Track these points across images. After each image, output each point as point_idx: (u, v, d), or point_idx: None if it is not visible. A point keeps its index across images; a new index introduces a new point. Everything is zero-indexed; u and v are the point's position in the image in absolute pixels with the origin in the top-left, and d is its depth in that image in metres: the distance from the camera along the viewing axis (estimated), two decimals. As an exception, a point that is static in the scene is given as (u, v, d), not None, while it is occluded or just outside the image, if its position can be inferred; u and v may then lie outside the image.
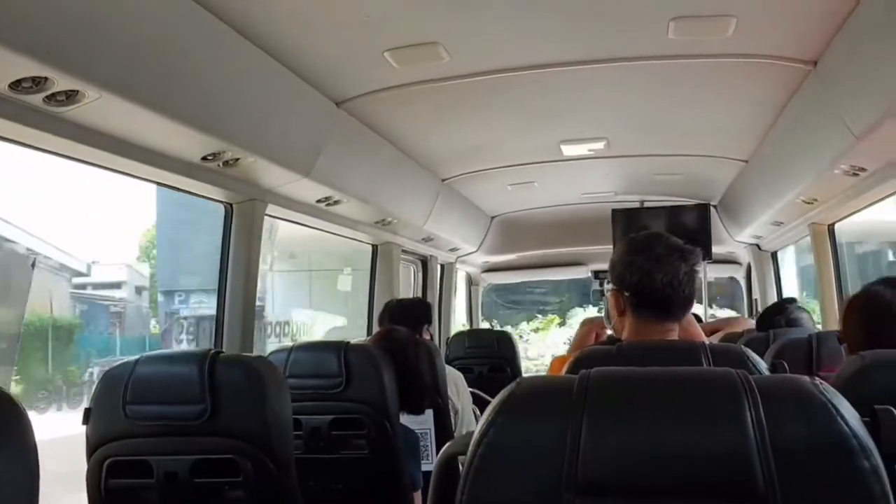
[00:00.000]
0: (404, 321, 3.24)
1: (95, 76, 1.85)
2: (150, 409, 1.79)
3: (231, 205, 2.95)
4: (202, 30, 2.18)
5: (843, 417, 0.83)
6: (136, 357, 1.86)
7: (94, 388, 1.90)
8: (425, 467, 2.54)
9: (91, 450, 1.83)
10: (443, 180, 4.59)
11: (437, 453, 2.48)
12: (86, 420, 1.85)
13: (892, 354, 1.48)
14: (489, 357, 4.99)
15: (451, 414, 3.07)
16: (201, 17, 2.14)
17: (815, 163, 3.21)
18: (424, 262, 5.43)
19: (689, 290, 1.70)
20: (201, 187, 2.74)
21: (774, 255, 5.21)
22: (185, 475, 1.78)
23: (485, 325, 7.45)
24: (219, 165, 2.60)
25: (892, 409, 0.98)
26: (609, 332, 2.40)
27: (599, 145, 3.96)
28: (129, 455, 1.80)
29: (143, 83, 2.03)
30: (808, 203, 3.73)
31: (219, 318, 2.95)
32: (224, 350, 2.58)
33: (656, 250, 1.72)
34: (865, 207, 3.53)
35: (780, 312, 3.17)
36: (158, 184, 2.67)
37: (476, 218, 5.67)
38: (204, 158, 2.52)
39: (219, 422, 1.77)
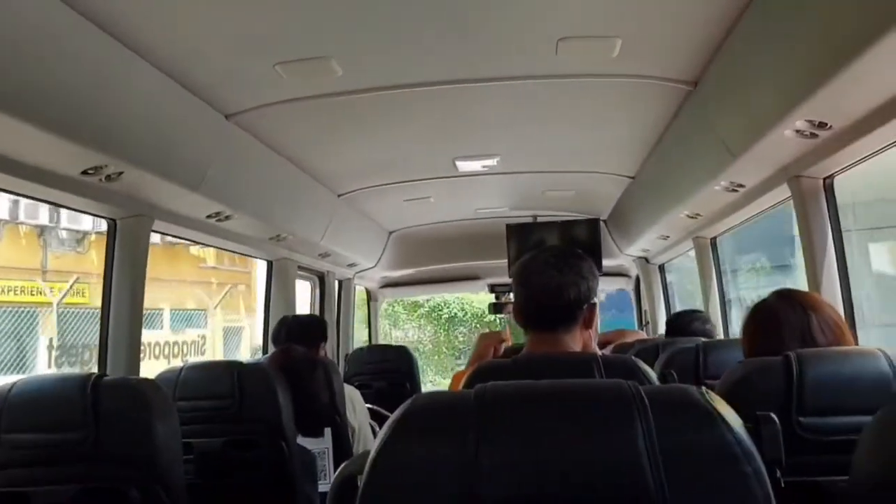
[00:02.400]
0: (301, 338, 3.18)
1: None
2: (27, 438, 1.69)
3: (115, 220, 2.82)
4: (81, 39, 2.08)
5: (726, 424, 0.86)
6: (12, 381, 1.75)
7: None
8: (322, 487, 2.50)
9: None
10: (339, 195, 4.55)
11: (335, 473, 2.45)
12: None
13: (772, 361, 1.55)
14: (389, 372, 4.98)
15: (349, 433, 3.03)
16: (81, 25, 2.04)
17: (696, 179, 3.36)
18: (322, 278, 5.35)
19: (567, 298, 1.72)
20: (82, 202, 2.61)
21: (662, 268, 5.41)
22: None
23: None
24: (100, 180, 2.48)
25: (772, 415, 1.03)
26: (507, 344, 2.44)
27: (492, 162, 4.03)
28: (7, 486, 1.70)
29: (13, 92, 1.91)
30: (692, 217, 3.90)
31: (102, 339, 2.81)
32: (108, 373, 2.47)
33: (532, 266, 1.76)
34: (746, 221, 3.72)
35: (694, 322, 3.26)
36: (36, 199, 2.52)
37: (374, 233, 5.65)
38: (84, 172, 2.40)
39: (103, 449, 1.69)
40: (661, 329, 4.49)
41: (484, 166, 4.11)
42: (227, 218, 3.37)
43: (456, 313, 14.14)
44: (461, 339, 14.03)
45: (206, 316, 11.05)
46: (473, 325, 13.92)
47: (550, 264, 1.73)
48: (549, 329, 1.75)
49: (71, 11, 1.99)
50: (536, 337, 1.77)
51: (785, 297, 1.76)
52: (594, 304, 1.78)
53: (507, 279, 5.80)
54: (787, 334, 1.68)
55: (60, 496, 1.69)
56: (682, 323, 3.25)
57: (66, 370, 8.39)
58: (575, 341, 1.75)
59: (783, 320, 1.71)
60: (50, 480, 1.69)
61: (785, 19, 2.09)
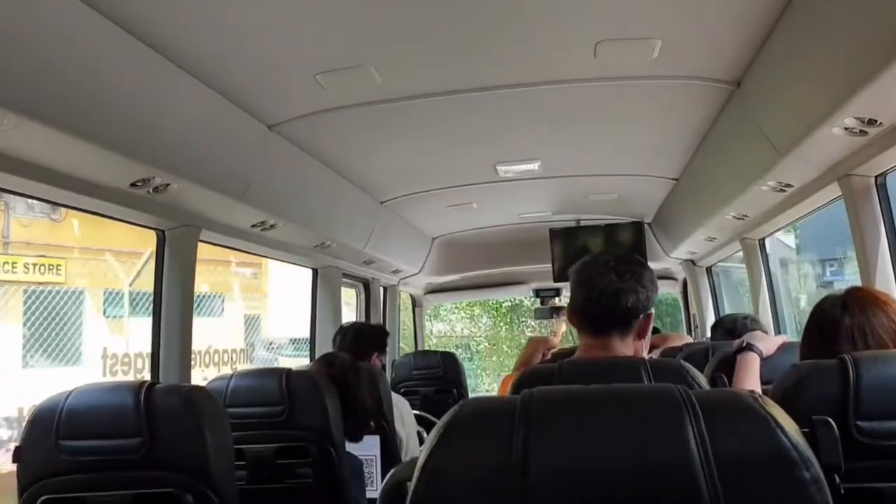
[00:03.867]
0: (353, 346, 3.22)
1: (13, 101, 1.79)
2: (84, 444, 1.73)
3: (163, 231, 2.89)
4: (127, 54, 2.14)
5: (782, 430, 0.85)
6: (69, 390, 1.80)
7: (24, 423, 1.83)
8: (370, 494, 2.51)
9: (23, 489, 1.75)
10: (381, 202, 4.58)
11: (383, 480, 2.46)
12: (16, 458, 1.77)
13: (827, 364, 1.52)
14: (435, 379, 4.99)
15: (397, 441, 3.04)
16: (125, 40, 2.09)
17: (743, 180, 3.31)
18: (367, 285, 5.39)
19: (625, 304, 1.71)
20: (131, 214, 2.67)
21: (709, 270, 5.33)
22: None
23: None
24: (148, 192, 2.54)
25: (829, 419, 1.00)
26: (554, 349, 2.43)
27: (534, 166, 4.02)
28: (64, 492, 1.74)
29: (65, 108, 1.97)
30: (739, 219, 3.84)
31: (154, 349, 2.87)
32: (161, 381, 2.52)
33: (592, 268, 1.75)
34: (795, 221, 3.65)
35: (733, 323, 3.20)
36: (87, 211, 2.59)
37: (417, 239, 5.67)
38: (132, 185, 2.46)
39: (157, 455, 1.73)
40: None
41: (525, 171, 4.10)
42: (271, 227, 3.42)
43: (521, 300, 11.49)
44: (529, 334, 11.18)
45: (222, 302, 9.32)
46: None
47: (611, 268, 1.72)
48: (604, 334, 1.74)
49: (117, 28, 2.04)
50: (589, 341, 1.76)
51: (846, 298, 1.71)
52: (650, 315, 1.76)
53: (552, 283, 5.78)
54: (842, 338, 1.63)
55: (117, 501, 1.73)
56: (728, 325, 3.19)
57: (37, 371, 6.97)
58: (627, 349, 1.74)
59: (840, 323, 1.67)
60: (106, 486, 1.73)
61: (830, 14, 2.05)
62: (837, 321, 1.67)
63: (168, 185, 2.55)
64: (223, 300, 9.26)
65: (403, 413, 3.23)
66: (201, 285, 8.06)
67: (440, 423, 0.92)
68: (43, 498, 1.74)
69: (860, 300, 1.71)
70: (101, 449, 1.72)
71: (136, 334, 7.49)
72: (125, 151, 2.26)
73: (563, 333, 4.67)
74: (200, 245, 3.02)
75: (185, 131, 2.54)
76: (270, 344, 9.97)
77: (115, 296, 7.82)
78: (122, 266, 7.70)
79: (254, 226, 3.35)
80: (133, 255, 7.55)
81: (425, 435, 3.64)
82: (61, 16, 1.85)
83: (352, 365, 2.62)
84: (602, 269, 1.73)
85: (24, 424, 1.83)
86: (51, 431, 1.73)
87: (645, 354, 1.81)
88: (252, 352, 9.65)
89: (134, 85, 2.23)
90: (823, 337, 1.69)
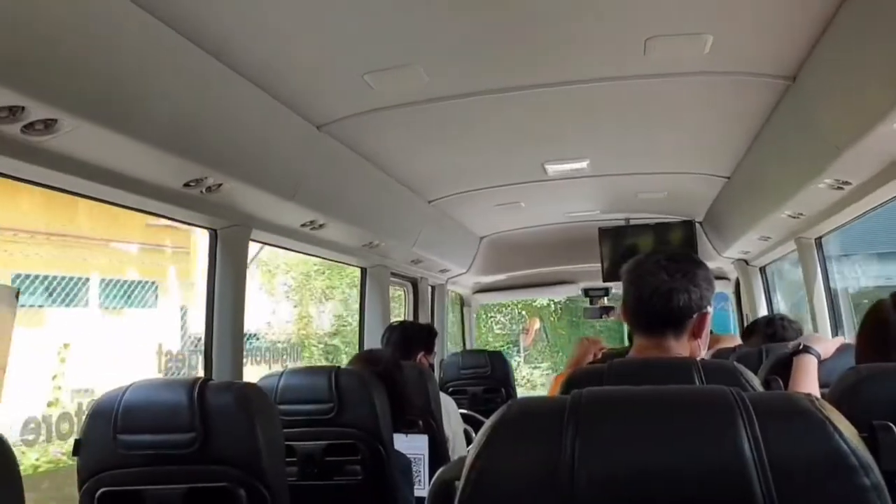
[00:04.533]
0: (401, 345, 3.23)
1: (72, 104, 1.85)
2: (141, 439, 1.78)
3: (216, 231, 2.94)
4: (179, 56, 2.18)
5: (840, 434, 0.82)
6: (126, 385, 1.85)
7: (83, 418, 1.88)
8: (418, 493, 2.52)
9: (82, 481, 1.81)
10: (429, 202, 4.59)
11: (430, 478, 2.47)
12: (76, 451, 1.83)
13: (887, 367, 1.47)
14: (483, 378, 4.99)
15: (445, 440, 3.05)
16: (178, 43, 2.14)
17: (798, 177, 3.23)
18: (415, 284, 5.41)
19: (676, 303, 1.69)
20: (185, 213, 2.73)
21: (763, 270, 5.22)
22: None
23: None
24: (201, 192, 2.59)
25: (891, 424, 0.97)
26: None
27: (582, 165, 3.98)
28: (121, 485, 1.79)
29: (121, 111, 2.02)
30: (794, 217, 3.75)
31: (207, 346, 2.93)
32: (214, 377, 2.58)
33: (645, 267, 1.73)
34: (853, 220, 3.55)
35: (769, 325, 3.17)
36: (142, 211, 2.65)
37: (465, 239, 5.68)
38: (186, 185, 2.51)
39: (210, 449, 1.76)
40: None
41: (574, 170, 4.07)
42: (321, 226, 3.45)
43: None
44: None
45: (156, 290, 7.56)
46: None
47: (663, 267, 1.70)
48: (657, 334, 1.72)
49: (170, 31, 2.08)
50: (643, 341, 1.74)
51: None
52: (706, 314, 1.73)
53: (601, 283, 5.73)
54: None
55: (172, 495, 1.77)
56: (764, 329, 3.15)
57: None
58: (682, 349, 1.71)
59: (894, 330, 1.61)
60: (162, 480, 1.77)
61: (889, 6, 1.99)
62: (889, 323, 1.62)
63: (220, 185, 2.60)
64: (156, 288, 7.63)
65: (450, 412, 3.23)
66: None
67: (489, 423, 0.92)
68: (101, 490, 1.79)
69: None
70: (156, 443, 1.77)
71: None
72: (179, 152, 2.30)
73: (536, 332, 4.64)
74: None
75: (235, 132, 2.58)
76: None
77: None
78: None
79: (303, 225, 3.39)
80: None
81: (473, 434, 3.65)
82: (115, 19, 1.90)
83: (395, 362, 2.63)
84: (654, 267, 1.71)
85: (83, 419, 1.88)
86: (109, 425, 1.78)
87: (703, 354, 1.78)
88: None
89: (186, 87, 2.27)
90: (883, 340, 1.63)
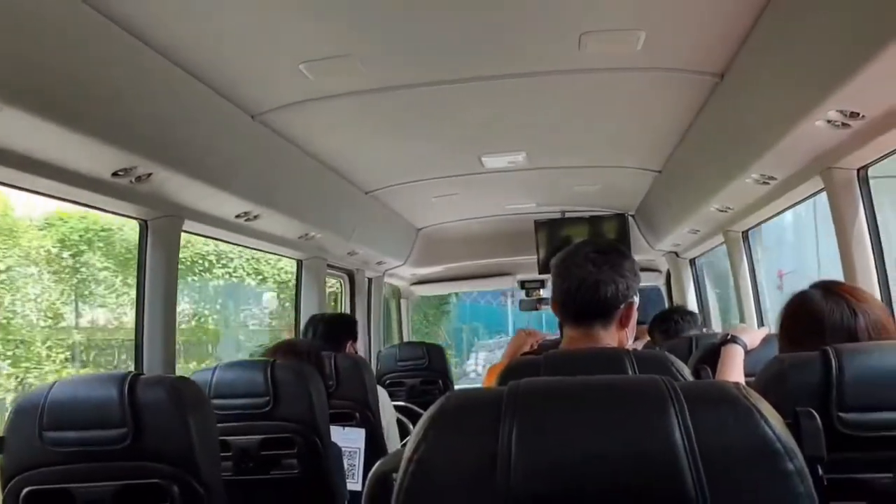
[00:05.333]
0: (327, 336, 3.21)
1: None
2: (68, 436, 1.73)
3: (146, 221, 2.86)
4: (107, 41, 2.12)
5: (766, 421, 0.85)
6: (52, 382, 1.79)
7: (7, 414, 1.82)
8: (352, 487, 2.51)
9: (6, 480, 1.75)
10: (366, 193, 4.57)
11: (364, 473, 2.46)
12: None
13: (810, 356, 1.53)
14: (421, 370, 5.00)
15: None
16: (107, 27, 2.07)
17: (726, 172, 3.33)
18: (351, 276, 5.38)
19: (604, 294, 1.71)
20: (114, 204, 2.65)
21: (693, 262, 5.36)
22: (108, 503, 1.72)
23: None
24: (131, 181, 2.52)
25: (812, 411, 1.01)
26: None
27: (519, 157, 4.02)
28: (48, 484, 1.73)
29: (47, 96, 1.95)
30: (722, 211, 3.86)
31: (138, 339, 2.86)
32: (145, 372, 2.52)
33: (572, 259, 1.75)
34: (778, 214, 3.67)
35: (666, 321, 3.26)
36: (68, 201, 2.57)
37: (402, 231, 5.67)
38: (114, 174, 2.44)
39: (142, 446, 1.72)
40: None
41: (510, 162, 4.11)
42: (255, 217, 3.40)
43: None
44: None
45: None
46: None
47: (590, 258, 1.73)
48: (586, 324, 1.75)
49: (98, 15, 2.02)
50: (572, 332, 1.77)
51: (830, 293, 1.71)
52: (632, 303, 1.76)
53: (537, 275, 5.80)
54: (831, 336, 1.63)
55: (103, 493, 1.72)
56: (664, 325, 3.23)
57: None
58: (611, 339, 1.74)
59: (828, 320, 1.66)
60: (91, 477, 1.72)
61: (814, 7, 2.06)
62: (822, 314, 1.68)
63: (150, 174, 2.53)
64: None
65: (384, 404, 3.23)
66: None
67: (427, 415, 0.92)
68: (27, 490, 1.73)
69: (850, 293, 1.70)
70: (85, 440, 1.72)
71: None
72: (107, 140, 2.23)
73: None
74: None
75: (168, 120, 2.52)
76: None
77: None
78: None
79: (238, 216, 3.33)
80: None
81: (411, 427, 3.65)
82: (43, 3, 1.83)
83: (312, 351, 2.60)
84: (581, 259, 1.74)
85: (6, 416, 1.82)
86: (34, 422, 1.72)
87: (630, 343, 1.82)
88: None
89: (116, 73, 2.21)
90: (808, 330, 1.69)
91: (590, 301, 1.72)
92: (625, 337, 1.78)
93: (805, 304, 1.73)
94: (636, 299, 1.78)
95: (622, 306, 1.74)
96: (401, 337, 6.65)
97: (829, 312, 1.67)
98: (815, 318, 1.68)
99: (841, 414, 1.44)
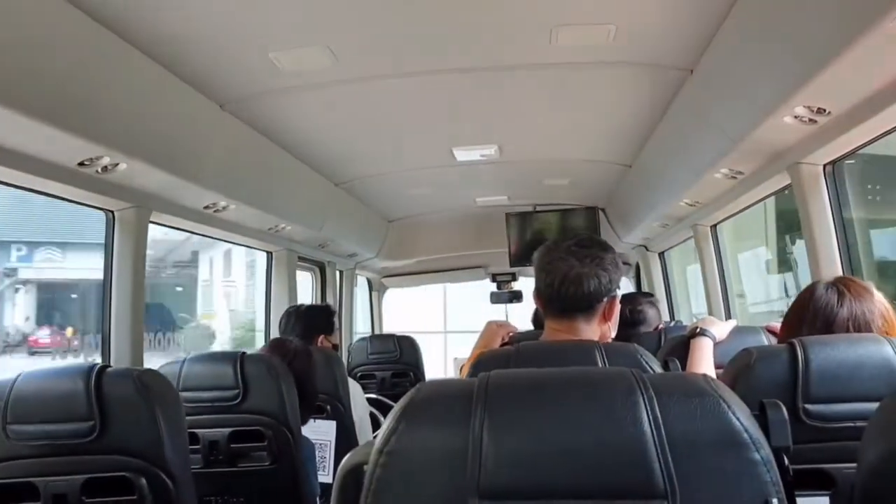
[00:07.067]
0: (304, 329, 3.19)
1: None
2: (33, 429, 1.70)
3: (112, 212, 2.82)
4: (72, 28, 2.07)
5: (734, 412, 0.87)
6: (16, 374, 1.76)
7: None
8: (322, 479, 2.50)
9: None
10: (336, 185, 4.54)
11: (335, 465, 2.45)
12: None
13: (777, 348, 1.55)
14: (392, 362, 4.99)
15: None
16: (72, 14, 2.03)
17: (695, 167, 3.36)
18: (322, 269, 5.35)
19: (587, 288, 1.72)
20: (79, 194, 2.60)
21: (662, 255, 5.41)
22: (74, 496, 1.70)
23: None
24: (96, 171, 2.47)
25: (779, 402, 1.03)
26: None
27: (490, 150, 4.02)
28: (13, 478, 1.70)
29: (9, 84, 1.91)
30: (692, 205, 3.90)
31: (105, 331, 2.82)
32: (112, 364, 2.48)
33: (555, 252, 1.76)
34: (746, 208, 3.71)
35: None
36: (31, 190, 2.51)
37: (373, 223, 5.65)
38: (80, 164, 2.39)
39: (109, 439, 1.70)
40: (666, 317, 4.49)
41: (482, 155, 4.11)
42: (224, 208, 3.37)
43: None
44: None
45: None
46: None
47: (573, 252, 1.73)
48: (569, 318, 1.75)
49: (62, 2, 1.98)
50: (555, 325, 1.77)
51: (832, 285, 1.71)
52: (615, 297, 1.78)
53: (508, 268, 5.81)
54: (810, 325, 1.64)
55: (69, 486, 1.70)
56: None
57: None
58: (593, 332, 1.76)
59: (813, 310, 1.68)
60: (57, 471, 1.70)
61: (783, 4, 2.09)
62: (833, 309, 1.67)
63: (117, 164, 2.49)
64: None
65: (356, 396, 3.22)
66: None
67: (397, 406, 0.92)
68: None
69: (853, 288, 1.70)
70: (50, 433, 1.69)
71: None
72: (72, 129, 2.19)
73: None
74: None
75: (134, 109, 2.48)
76: None
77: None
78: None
79: (206, 207, 3.29)
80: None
81: (381, 419, 3.65)
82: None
83: (304, 350, 2.59)
84: (564, 253, 1.74)
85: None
86: None
87: (613, 337, 1.83)
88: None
89: (81, 60, 2.16)
90: (799, 318, 1.71)
91: (573, 295, 1.73)
92: (608, 330, 1.80)
93: (808, 293, 1.74)
94: (619, 293, 1.79)
95: (605, 300, 1.76)
96: (372, 329, 6.63)
97: (819, 302, 1.69)
98: (805, 306, 1.70)
99: (807, 405, 1.47)
